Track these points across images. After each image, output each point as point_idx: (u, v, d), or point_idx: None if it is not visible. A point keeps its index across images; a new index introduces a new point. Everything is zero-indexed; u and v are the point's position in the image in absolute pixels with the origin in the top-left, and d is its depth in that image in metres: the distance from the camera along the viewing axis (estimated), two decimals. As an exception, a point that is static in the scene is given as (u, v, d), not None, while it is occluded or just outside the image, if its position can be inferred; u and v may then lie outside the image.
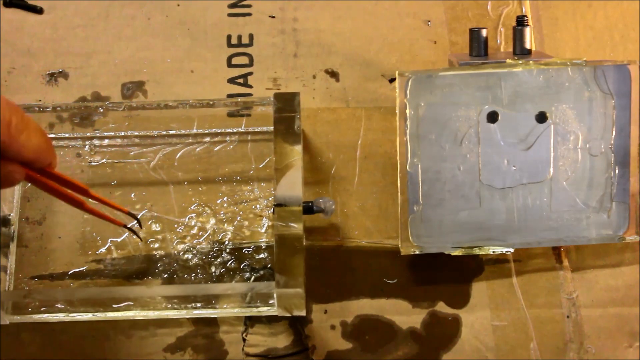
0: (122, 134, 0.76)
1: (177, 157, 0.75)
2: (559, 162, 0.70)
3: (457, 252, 0.69)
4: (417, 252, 0.69)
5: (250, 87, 0.78)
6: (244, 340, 0.71)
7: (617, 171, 0.70)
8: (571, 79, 0.69)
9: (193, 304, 0.69)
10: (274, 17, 0.80)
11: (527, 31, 0.71)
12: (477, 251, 0.69)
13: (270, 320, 0.71)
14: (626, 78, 0.68)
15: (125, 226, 0.68)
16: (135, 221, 0.69)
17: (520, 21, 0.71)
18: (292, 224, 0.66)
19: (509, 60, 0.69)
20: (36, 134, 0.51)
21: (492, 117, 0.69)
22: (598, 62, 0.69)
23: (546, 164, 0.70)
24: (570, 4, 0.79)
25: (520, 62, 0.68)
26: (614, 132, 0.69)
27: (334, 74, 0.78)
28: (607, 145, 0.70)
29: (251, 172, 0.75)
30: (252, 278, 0.72)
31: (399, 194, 0.69)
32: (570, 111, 0.69)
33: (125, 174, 0.75)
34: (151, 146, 0.76)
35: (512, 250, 0.70)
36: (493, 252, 0.70)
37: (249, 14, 0.80)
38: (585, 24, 0.79)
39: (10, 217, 0.72)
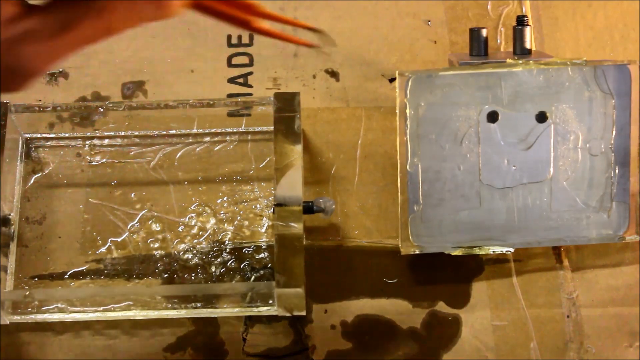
0: (122, 133, 0.76)
1: (177, 157, 0.75)
2: (559, 161, 0.70)
3: (457, 252, 0.69)
4: (417, 252, 0.69)
5: (251, 86, 0.78)
6: (244, 340, 0.71)
7: (617, 171, 0.70)
8: (571, 78, 0.69)
9: (193, 304, 0.69)
10: (274, 17, 0.79)
11: (527, 31, 0.71)
12: (477, 251, 0.69)
13: (270, 320, 0.71)
14: (626, 78, 0.68)
15: (308, 44, 0.59)
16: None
17: (521, 21, 0.71)
18: (292, 224, 0.66)
19: (509, 60, 0.69)
20: None
21: (492, 116, 0.69)
22: (598, 62, 0.69)
23: (546, 163, 0.70)
24: (570, 4, 0.79)
25: (521, 61, 0.68)
26: (614, 132, 0.69)
27: (334, 74, 0.78)
28: (607, 145, 0.70)
29: (251, 172, 0.75)
30: (252, 278, 0.72)
31: (399, 193, 0.69)
32: (571, 111, 0.69)
33: (125, 173, 0.75)
34: (151, 146, 0.76)
35: (512, 250, 0.70)
36: (493, 251, 0.69)
37: (249, 14, 0.80)
38: (585, 24, 0.79)
39: (10, 216, 0.72)
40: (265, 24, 0.53)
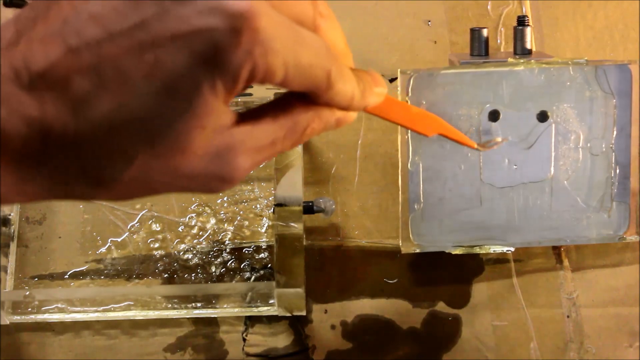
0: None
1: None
2: (559, 161, 0.70)
3: (457, 251, 0.69)
4: (417, 251, 0.69)
5: (251, 87, 0.77)
6: (244, 340, 0.71)
7: (617, 171, 0.70)
8: (572, 78, 0.69)
9: (193, 304, 0.69)
10: (274, 16, 0.79)
11: (528, 31, 0.71)
12: (477, 250, 0.69)
13: (270, 320, 0.71)
14: (627, 78, 0.68)
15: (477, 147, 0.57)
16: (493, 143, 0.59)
17: (521, 21, 0.71)
18: (292, 224, 0.66)
19: (510, 59, 0.69)
20: (351, 81, 0.41)
21: (494, 116, 0.69)
22: (599, 62, 0.69)
23: (547, 163, 0.70)
24: (570, 4, 0.79)
25: (522, 61, 0.68)
26: (614, 132, 0.69)
27: (334, 74, 0.78)
28: (608, 144, 0.70)
29: (251, 172, 0.75)
30: (252, 278, 0.72)
31: (399, 192, 0.69)
32: (571, 110, 0.69)
33: (125, 173, 0.75)
34: (151, 146, 0.75)
35: (512, 249, 0.70)
36: (494, 251, 0.69)
37: (249, 14, 0.80)
38: (585, 24, 0.79)
39: (10, 217, 0.72)
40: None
